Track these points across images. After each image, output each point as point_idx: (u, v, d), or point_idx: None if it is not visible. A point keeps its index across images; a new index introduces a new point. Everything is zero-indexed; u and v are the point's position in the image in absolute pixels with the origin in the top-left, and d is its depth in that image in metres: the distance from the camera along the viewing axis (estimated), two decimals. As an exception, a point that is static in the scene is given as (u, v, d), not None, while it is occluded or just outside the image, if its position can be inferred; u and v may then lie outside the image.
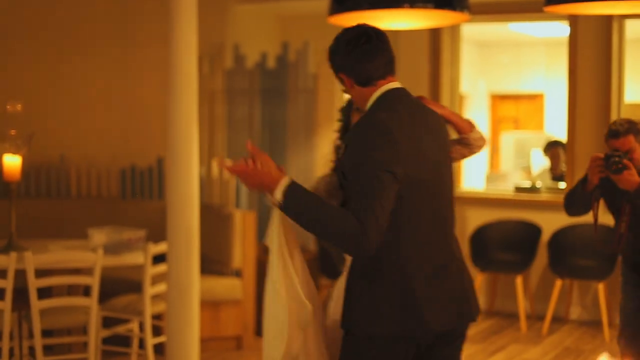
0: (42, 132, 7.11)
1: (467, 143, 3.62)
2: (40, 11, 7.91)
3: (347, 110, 3.76)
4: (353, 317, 3.18)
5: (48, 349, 5.80)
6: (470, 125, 3.60)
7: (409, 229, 3.14)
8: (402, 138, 3.09)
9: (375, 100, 3.23)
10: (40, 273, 5.51)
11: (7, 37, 7.62)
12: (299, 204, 3.06)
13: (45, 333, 5.64)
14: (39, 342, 5.49)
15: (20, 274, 5.48)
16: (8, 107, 7.53)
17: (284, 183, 3.08)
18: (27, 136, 6.36)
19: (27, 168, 6.38)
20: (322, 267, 7.51)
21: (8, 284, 5.41)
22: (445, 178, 3.30)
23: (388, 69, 3.31)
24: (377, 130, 3.09)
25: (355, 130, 3.17)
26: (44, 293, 5.59)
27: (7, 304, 5.42)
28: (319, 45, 8.30)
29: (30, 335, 5.61)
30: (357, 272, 3.18)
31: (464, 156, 3.68)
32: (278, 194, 3.07)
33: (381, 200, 2.98)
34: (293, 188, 3.08)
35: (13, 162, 6.26)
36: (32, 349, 5.65)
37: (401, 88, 3.30)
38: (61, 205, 7.73)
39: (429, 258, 3.19)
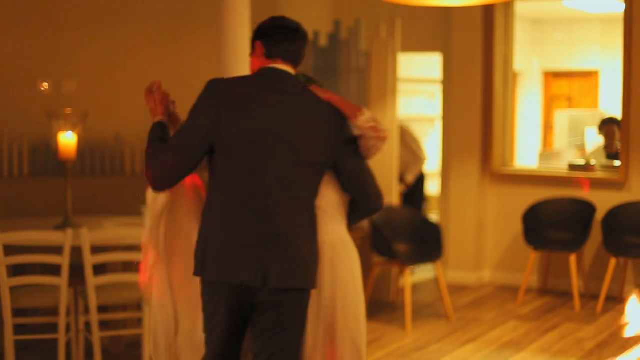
0: (96, 111, 7.18)
1: (361, 132, 3.68)
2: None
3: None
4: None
5: (103, 325, 5.87)
6: (356, 112, 3.64)
7: (219, 185, 3.54)
8: (228, 99, 3.54)
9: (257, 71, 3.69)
10: (96, 250, 5.57)
11: (62, 16, 7.68)
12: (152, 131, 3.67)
13: (101, 309, 5.70)
14: (95, 317, 5.55)
15: (76, 251, 5.54)
16: (63, 86, 7.63)
17: (157, 119, 3.73)
18: (82, 114, 6.43)
19: (82, 146, 6.43)
20: (374, 244, 7.51)
21: (64, 260, 5.48)
22: (278, 159, 3.52)
23: (284, 55, 3.67)
24: (204, 89, 3.59)
25: None
26: (99, 270, 5.65)
27: (63, 280, 5.49)
28: (371, 23, 8.28)
29: (86, 310, 5.68)
30: None
31: (369, 149, 3.73)
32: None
33: (180, 140, 3.56)
34: (159, 124, 3.71)
35: (68, 140, 6.33)
36: (88, 325, 5.72)
37: (280, 70, 3.64)
38: (115, 182, 7.80)
39: (229, 215, 3.52)
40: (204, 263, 3.53)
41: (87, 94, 7.65)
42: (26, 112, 7.39)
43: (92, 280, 5.52)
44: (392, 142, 7.96)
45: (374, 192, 3.81)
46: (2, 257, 5.43)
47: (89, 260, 5.51)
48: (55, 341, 5.64)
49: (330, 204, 3.69)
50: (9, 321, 5.46)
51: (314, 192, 3.62)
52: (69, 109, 6.58)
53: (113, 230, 5.87)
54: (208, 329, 3.64)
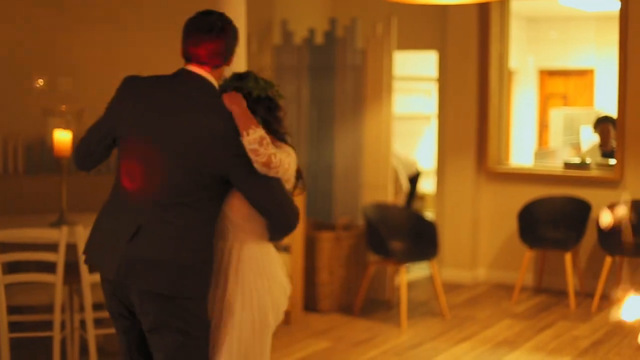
0: (92, 108, 7.15)
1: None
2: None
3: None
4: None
5: (98, 322, 5.86)
6: (245, 130, 3.43)
7: (115, 180, 3.63)
8: (132, 96, 3.58)
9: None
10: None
11: (58, 13, 7.67)
12: None
13: (96, 307, 5.70)
14: (89, 315, 5.55)
15: (71, 248, 5.53)
16: (58, 83, 7.61)
17: None
18: (78, 112, 6.42)
19: (77, 144, 6.41)
20: (369, 242, 7.51)
21: (59, 257, 5.47)
22: (162, 162, 3.47)
23: (194, 58, 3.60)
24: (124, 80, 3.69)
25: None
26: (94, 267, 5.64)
27: (58, 277, 5.48)
28: (367, 21, 8.28)
29: (81, 308, 5.67)
30: None
31: (259, 169, 3.48)
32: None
33: (92, 130, 3.70)
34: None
35: (64, 137, 6.32)
36: (83, 322, 5.71)
37: (191, 73, 3.57)
38: (110, 180, 7.76)
39: (115, 208, 3.58)
40: (87, 249, 3.70)
41: (83, 92, 7.63)
42: (21, 109, 7.37)
43: (87, 278, 5.50)
44: (388, 140, 7.96)
45: (278, 210, 3.54)
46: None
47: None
48: (50, 339, 5.62)
49: (240, 216, 3.58)
50: (3, 319, 5.44)
51: (201, 199, 3.47)
52: (64, 106, 6.57)
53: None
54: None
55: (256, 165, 3.42)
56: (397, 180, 10.32)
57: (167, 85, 3.55)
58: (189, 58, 3.57)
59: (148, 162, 3.47)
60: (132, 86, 3.61)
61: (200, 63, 3.54)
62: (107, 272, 3.52)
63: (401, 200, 10.02)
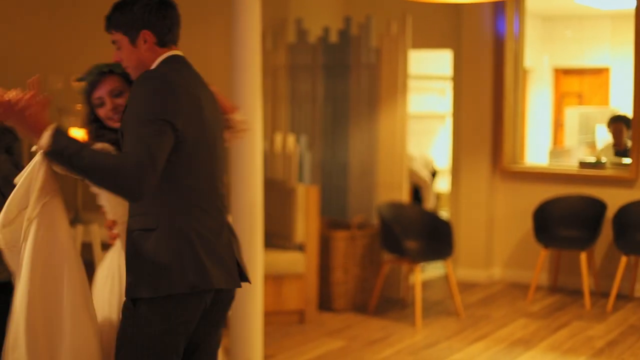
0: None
1: (230, 125, 3.60)
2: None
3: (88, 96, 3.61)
4: (146, 279, 3.17)
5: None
6: (234, 108, 3.63)
7: (185, 187, 3.20)
8: (183, 94, 3.16)
9: (161, 62, 3.29)
10: (106, 246, 5.57)
11: (72, 11, 7.68)
12: (70, 145, 2.97)
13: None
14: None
15: (86, 247, 5.55)
16: (73, 82, 7.63)
17: (52, 127, 3.00)
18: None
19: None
20: (384, 241, 7.51)
21: None
22: (219, 149, 3.38)
23: (177, 37, 3.40)
24: (158, 80, 3.15)
25: (137, 83, 3.17)
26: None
27: None
28: (381, 19, 8.26)
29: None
30: (141, 230, 3.20)
31: (226, 140, 3.59)
32: (44, 139, 2.98)
33: (157, 145, 3.01)
34: (60, 131, 3.01)
35: (79, 136, 6.33)
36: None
37: (183, 56, 3.37)
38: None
39: (201, 219, 3.23)
40: (204, 271, 3.21)
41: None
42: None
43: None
44: (403, 139, 7.95)
45: None
46: None
47: (99, 255, 5.51)
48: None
49: None
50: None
51: None
52: (79, 105, 6.58)
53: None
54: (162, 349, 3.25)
55: (238, 136, 3.69)
56: (420, 178, 10.35)
57: (194, 75, 3.35)
58: (171, 42, 3.34)
59: (218, 157, 3.35)
60: (176, 85, 3.17)
61: (176, 44, 3.39)
62: (230, 282, 3.33)
63: (431, 198, 10.10)
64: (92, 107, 3.57)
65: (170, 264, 3.15)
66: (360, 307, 7.72)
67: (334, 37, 8.47)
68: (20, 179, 3.16)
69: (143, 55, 3.27)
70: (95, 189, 3.43)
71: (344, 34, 8.36)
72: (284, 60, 8.63)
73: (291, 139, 7.52)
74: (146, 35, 3.25)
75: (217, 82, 7.65)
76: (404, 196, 8.00)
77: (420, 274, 7.44)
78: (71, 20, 7.89)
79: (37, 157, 3.12)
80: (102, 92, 3.50)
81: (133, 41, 3.26)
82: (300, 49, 8.59)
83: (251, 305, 5.66)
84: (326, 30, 8.49)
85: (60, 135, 2.99)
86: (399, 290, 8.05)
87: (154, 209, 3.17)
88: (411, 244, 7.57)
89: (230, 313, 5.70)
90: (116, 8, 3.28)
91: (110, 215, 3.52)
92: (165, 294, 3.15)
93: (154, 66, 3.27)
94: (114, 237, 3.56)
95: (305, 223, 7.17)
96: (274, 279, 7.02)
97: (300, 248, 7.19)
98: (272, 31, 8.62)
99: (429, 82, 12.31)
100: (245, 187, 5.61)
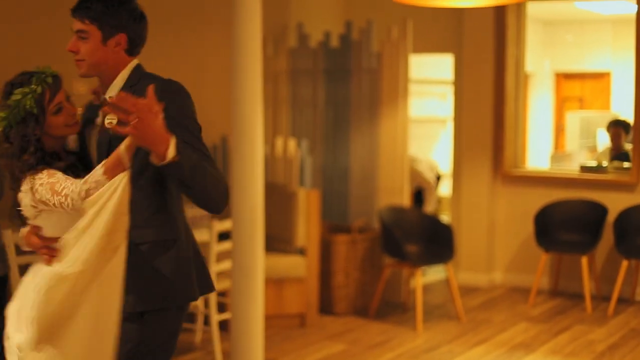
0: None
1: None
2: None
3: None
4: (158, 290, 3.11)
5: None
6: None
7: (179, 197, 3.18)
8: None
9: (134, 69, 3.19)
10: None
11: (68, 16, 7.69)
12: (191, 158, 2.88)
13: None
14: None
15: None
16: (73, 86, 7.64)
17: (174, 139, 2.82)
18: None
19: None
20: (384, 245, 7.51)
21: None
22: None
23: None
24: (188, 95, 3.11)
25: (175, 92, 3.09)
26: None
27: None
28: (382, 24, 8.28)
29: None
30: (152, 244, 3.11)
31: None
32: (172, 150, 2.79)
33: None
34: (180, 142, 2.86)
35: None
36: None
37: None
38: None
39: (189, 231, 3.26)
40: (201, 278, 3.26)
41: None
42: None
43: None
44: (404, 144, 7.96)
45: None
46: None
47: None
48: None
49: None
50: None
51: None
52: (79, 108, 6.59)
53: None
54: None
55: None
56: (424, 180, 10.38)
57: None
58: (139, 52, 3.26)
59: None
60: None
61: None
62: (210, 287, 3.36)
63: (433, 201, 10.13)
64: (34, 127, 3.12)
65: (188, 273, 3.16)
66: (361, 310, 7.73)
67: (335, 42, 8.49)
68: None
69: (108, 56, 3.11)
70: (32, 205, 3.13)
71: (345, 38, 8.37)
72: (285, 65, 8.64)
73: (292, 143, 7.53)
74: (121, 39, 3.14)
75: (217, 86, 7.69)
76: (405, 200, 8.00)
77: (421, 278, 7.44)
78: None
79: (119, 177, 2.93)
80: (61, 97, 3.20)
81: (105, 39, 3.11)
82: (301, 54, 8.61)
83: (252, 308, 5.66)
84: (327, 35, 8.50)
85: (181, 145, 2.85)
86: (399, 294, 8.06)
87: (169, 220, 3.14)
88: (412, 248, 7.58)
89: (231, 316, 5.71)
90: (100, 0, 3.11)
91: (50, 233, 3.14)
92: (183, 302, 3.18)
93: (125, 72, 3.17)
94: (54, 254, 3.07)
95: (306, 227, 7.18)
96: (274, 283, 7.03)
97: (301, 252, 7.20)
98: (273, 36, 8.63)
99: (430, 87, 12.32)
100: (246, 191, 5.62)
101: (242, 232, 5.58)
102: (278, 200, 7.26)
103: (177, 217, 3.17)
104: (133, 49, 3.20)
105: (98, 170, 2.93)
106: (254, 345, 5.71)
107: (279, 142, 7.69)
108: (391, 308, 7.89)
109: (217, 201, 2.97)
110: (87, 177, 2.96)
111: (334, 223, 8.09)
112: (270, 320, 6.87)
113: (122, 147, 2.89)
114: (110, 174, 2.90)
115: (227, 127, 6.07)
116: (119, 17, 3.12)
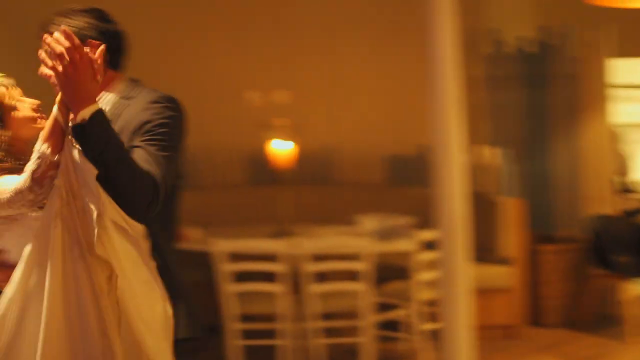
0: (310, 121, 7.22)
1: None
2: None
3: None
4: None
5: (325, 332, 5.86)
6: None
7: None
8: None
9: (129, 84, 2.88)
10: (314, 258, 5.59)
11: (274, 27, 7.77)
12: (111, 137, 2.54)
13: (320, 316, 5.71)
14: (314, 324, 5.59)
15: (292, 259, 5.58)
16: (276, 96, 7.72)
17: (98, 106, 2.54)
18: (295, 125, 6.48)
19: (296, 156, 6.50)
20: (592, 256, 7.26)
21: (282, 268, 5.57)
22: None
23: None
24: (179, 110, 2.83)
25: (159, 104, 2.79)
26: (318, 277, 5.66)
27: (282, 287, 5.60)
28: (582, 27, 8.02)
29: (306, 318, 5.69)
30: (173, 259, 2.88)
31: None
32: (87, 112, 2.49)
33: (169, 167, 2.67)
34: (102, 113, 2.55)
35: (283, 150, 6.39)
36: (309, 331, 5.73)
37: None
38: (326, 192, 7.81)
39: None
40: None
41: (299, 105, 7.70)
42: (240, 122, 7.50)
43: (312, 288, 5.53)
44: (608, 151, 7.71)
45: None
46: (227, 264, 5.60)
47: (308, 268, 5.53)
48: (275, 347, 5.73)
49: None
50: (236, 326, 5.63)
51: None
52: (282, 119, 6.64)
53: (332, 239, 5.92)
54: None
55: None
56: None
57: None
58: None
59: None
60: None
61: None
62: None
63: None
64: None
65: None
66: (571, 322, 7.47)
67: (530, 47, 8.27)
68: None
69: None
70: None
71: (541, 44, 8.15)
72: (480, 71, 8.47)
73: (492, 151, 7.39)
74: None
75: (412, 94, 7.60)
76: (612, 209, 7.71)
77: (631, 290, 7.14)
78: (269, 37, 7.98)
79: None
80: (15, 94, 3.00)
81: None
82: (497, 60, 8.43)
83: (459, 319, 5.52)
84: (523, 41, 8.30)
85: (104, 117, 2.55)
86: (608, 305, 7.75)
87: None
88: (621, 259, 7.28)
89: (440, 326, 5.58)
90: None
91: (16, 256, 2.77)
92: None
93: (121, 88, 2.89)
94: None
95: (512, 237, 7.01)
96: (481, 293, 6.84)
97: (505, 261, 7.02)
98: (467, 42, 8.47)
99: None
100: (450, 201, 5.49)
101: (447, 242, 5.44)
102: (483, 210, 7.11)
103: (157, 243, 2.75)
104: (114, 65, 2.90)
105: (38, 143, 2.64)
106: (464, 356, 5.57)
107: (478, 151, 7.55)
108: (601, 320, 7.59)
109: (134, 201, 2.57)
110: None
111: (540, 233, 7.87)
112: (476, 330, 6.70)
113: (55, 105, 2.62)
114: (51, 139, 2.59)
115: (425, 135, 5.96)
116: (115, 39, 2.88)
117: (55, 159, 2.61)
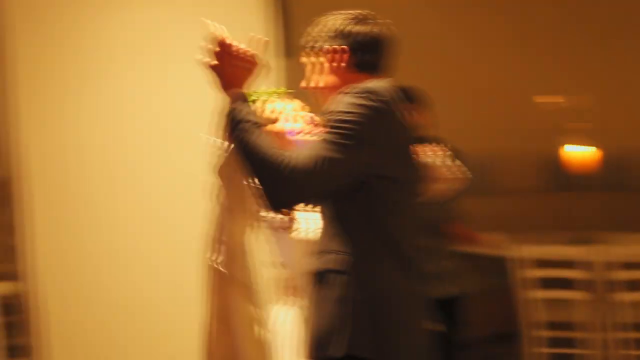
0: (613, 125, 7.04)
1: None
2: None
3: None
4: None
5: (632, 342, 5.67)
6: None
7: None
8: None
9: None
10: (624, 266, 5.43)
11: (573, 32, 7.61)
12: (239, 115, 2.64)
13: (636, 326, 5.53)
14: (622, 334, 5.46)
15: (594, 266, 5.45)
16: (572, 100, 7.58)
17: (238, 93, 2.70)
18: (595, 129, 6.35)
19: (595, 160, 6.35)
20: None
21: (586, 275, 5.45)
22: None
23: None
24: (360, 98, 2.65)
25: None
26: (631, 286, 5.48)
27: (580, 294, 5.48)
28: None
29: (619, 327, 5.53)
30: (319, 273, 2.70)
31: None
32: (231, 95, 2.70)
33: (337, 156, 2.53)
34: (245, 97, 2.71)
35: (580, 154, 6.29)
36: (621, 341, 5.56)
37: None
38: (626, 197, 7.55)
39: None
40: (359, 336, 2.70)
41: (600, 108, 7.50)
42: (534, 127, 7.42)
43: (624, 296, 5.41)
44: None
45: None
46: (532, 270, 5.56)
47: (619, 275, 5.39)
48: (575, 356, 5.60)
49: None
50: (534, 333, 5.56)
51: None
52: (581, 123, 6.52)
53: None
54: None
55: None
56: None
57: None
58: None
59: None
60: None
61: None
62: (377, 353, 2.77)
63: None
64: None
65: (341, 322, 2.66)
66: None
67: None
68: None
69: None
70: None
71: None
72: None
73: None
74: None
75: None
76: None
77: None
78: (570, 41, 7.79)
79: None
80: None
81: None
82: None
83: None
84: None
85: (245, 100, 2.70)
86: None
87: (348, 247, 2.67)
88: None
89: None
90: None
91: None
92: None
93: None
94: None
95: None
96: None
97: None
98: None
99: None
100: None
101: None
102: None
103: (369, 249, 2.64)
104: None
105: None
106: None
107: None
108: None
109: (262, 187, 2.57)
110: None
111: None
112: None
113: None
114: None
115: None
116: None
117: None
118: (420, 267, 2.70)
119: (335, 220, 2.64)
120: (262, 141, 2.56)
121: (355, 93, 2.60)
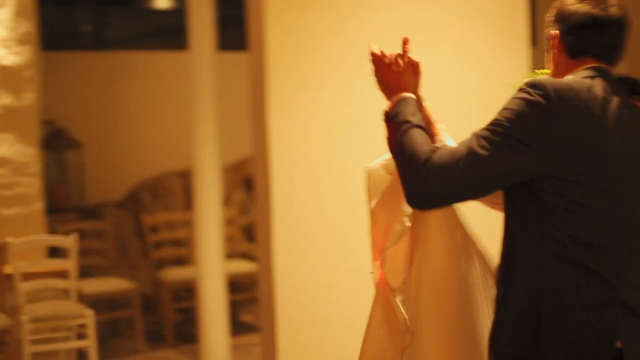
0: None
1: None
2: None
3: None
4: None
5: None
6: None
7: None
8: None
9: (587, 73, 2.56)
10: None
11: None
12: (407, 113, 2.52)
13: None
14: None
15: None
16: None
17: (406, 94, 2.60)
18: None
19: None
20: None
21: None
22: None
23: None
24: (521, 97, 2.44)
25: None
26: None
27: None
28: None
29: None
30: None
31: None
32: (393, 100, 2.61)
33: (488, 153, 2.31)
34: (410, 100, 2.57)
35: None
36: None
37: None
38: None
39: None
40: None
41: None
42: None
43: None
44: None
45: None
46: None
47: None
48: None
49: None
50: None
51: None
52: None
53: None
54: None
55: None
56: None
57: None
58: None
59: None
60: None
61: None
62: None
63: None
64: None
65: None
66: None
67: None
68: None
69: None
70: None
71: None
72: None
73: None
74: None
75: None
76: None
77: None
78: None
79: None
80: None
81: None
82: None
83: None
84: None
85: (407, 102, 2.57)
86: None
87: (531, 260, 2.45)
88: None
89: None
90: None
91: None
92: None
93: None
94: None
95: None
96: None
97: None
98: None
99: None
100: None
101: None
102: None
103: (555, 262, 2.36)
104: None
105: None
106: None
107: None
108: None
109: (405, 179, 2.43)
110: None
111: None
112: None
113: None
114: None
115: None
116: None
117: None
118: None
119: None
120: (416, 139, 2.42)
121: (521, 88, 2.38)
